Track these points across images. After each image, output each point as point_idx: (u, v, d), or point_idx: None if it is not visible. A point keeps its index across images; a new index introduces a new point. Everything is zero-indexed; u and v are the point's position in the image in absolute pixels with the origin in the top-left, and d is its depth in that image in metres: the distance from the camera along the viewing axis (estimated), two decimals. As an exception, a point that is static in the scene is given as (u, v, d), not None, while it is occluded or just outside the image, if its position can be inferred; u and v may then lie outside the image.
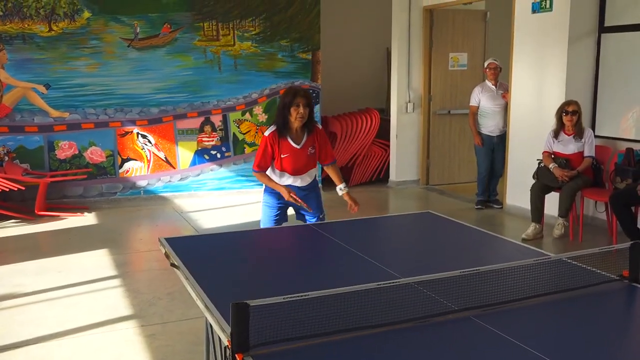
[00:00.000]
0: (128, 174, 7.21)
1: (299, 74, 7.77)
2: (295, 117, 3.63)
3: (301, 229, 3.61)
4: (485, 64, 6.76)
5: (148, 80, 7.17)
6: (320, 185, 4.10)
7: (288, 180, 3.80)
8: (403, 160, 8.19)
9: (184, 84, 7.31)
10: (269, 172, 3.82)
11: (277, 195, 3.84)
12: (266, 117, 7.69)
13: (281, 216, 3.90)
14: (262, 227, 3.86)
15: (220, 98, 7.47)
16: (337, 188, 3.90)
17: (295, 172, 3.78)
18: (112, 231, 6.04)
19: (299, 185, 3.83)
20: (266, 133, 3.73)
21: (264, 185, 3.91)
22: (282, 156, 3.70)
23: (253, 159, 7.82)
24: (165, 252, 2.95)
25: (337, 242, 3.18)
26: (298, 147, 3.71)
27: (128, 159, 7.20)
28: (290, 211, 3.99)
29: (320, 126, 3.85)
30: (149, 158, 7.26)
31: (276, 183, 3.76)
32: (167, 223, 6.44)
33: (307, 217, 3.90)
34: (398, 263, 2.84)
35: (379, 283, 2.13)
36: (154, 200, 7.27)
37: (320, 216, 3.92)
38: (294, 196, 3.71)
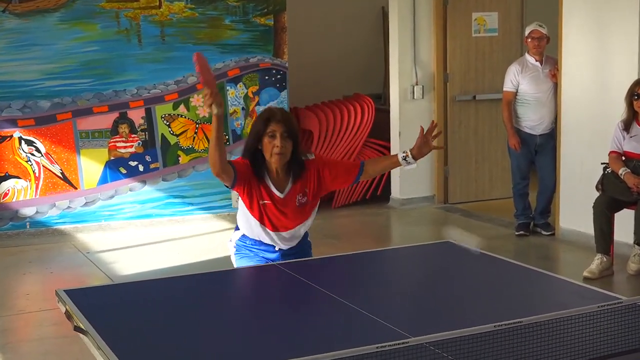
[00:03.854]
0: (6, 198, 7.14)
1: (256, 47, 7.79)
2: (271, 152, 3.54)
3: (264, 270, 3.61)
4: (527, 32, 6.83)
5: (34, 61, 7.12)
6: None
7: (268, 237, 3.69)
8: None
9: (88, 64, 7.28)
10: (242, 222, 3.73)
11: (257, 255, 3.73)
12: (208, 111, 7.68)
13: None
14: None
15: (141, 84, 7.46)
16: (402, 160, 3.75)
17: (280, 228, 3.68)
18: (-16, 283, 5.97)
19: (284, 247, 3.74)
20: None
21: (231, 247, 3.80)
22: (260, 202, 3.62)
23: (190, 172, 7.96)
24: (66, 310, 2.93)
25: (317, 288, 3.19)
26: (281, 195, 3.63)
27: (6, 177, 7.13)
28: None
29: (312, 155, 3.76)
30: (37, 174, 7.21)
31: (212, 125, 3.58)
32: (66, 269, 6.38)
33: None
34: (406, 316, 2.86)
35: (379, 345, 2.16)
36: (46, 236, 7.20)
37: None
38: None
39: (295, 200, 3.65)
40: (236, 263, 3.81)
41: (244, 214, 3.71)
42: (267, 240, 3.71)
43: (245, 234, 3.76)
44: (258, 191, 3.61)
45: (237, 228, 3.82)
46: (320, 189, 3.73)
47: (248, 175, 3.59)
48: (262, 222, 3.65)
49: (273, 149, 3.52)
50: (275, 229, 3.67)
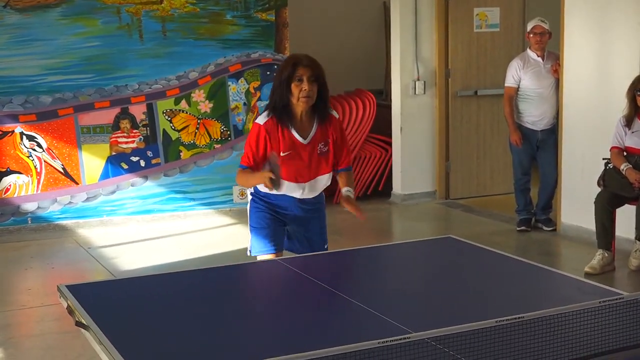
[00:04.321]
0: (8, 193, 7.15)
1: (258, 43, 7.79)
2: (299, 96, 3.66)
3: (264, 266, 3.62)
4: (529, 27, 6.83)
5: (35, 56, 7.12)
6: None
7: (284, 188, 3.74)
8: (411, 164, 8.25)
9: (89, 60, 7.28)
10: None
11: (272, 209, 3.83)
12: (211, 106, 7.70)
13: (280, 239, 3.88)
14: (254, 255, 3.89)
15: (142, 80, 7.46)
16: (343, 190, 3.89)
17: (298, 179, 3.77)
18: (-14, 278, 5.98)
19: (300, 197, 3.83)
20: (259, 120, 3.74)
21: (248, 194, 3.92)
22: (281, 154, 3.69)
23: (192, 167, 7.96)
24: (68, 305, 2.93)
25: (318, 284, 3.19)
26: (305, 142, 3.75)
27: (8, 172, 7.14)
28: None
29: (336, 114, 3.88)
30: (39, 170, 7.21)
31: (256, 177, 3.68)
32: (68, 264, 6.39)
33: (300, 247, 3.90)
34: (407, 311, 2.86)
35: (381, 341, 2.16)
36: (47, 232, 7.21)
37: (325, 246, 3.97)
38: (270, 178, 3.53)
39: (317, 147, 3.77)
40: (250, 213, 3.91)
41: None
42: (289, 192, 3.78)
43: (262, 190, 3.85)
44: (279, 145, 3.69)
45: None
46: (334, 147, 3.83)
47: (266, 142, 3.67)
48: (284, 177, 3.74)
49: (300, 92, 3.65)
50: (295, 179, 3.76)
